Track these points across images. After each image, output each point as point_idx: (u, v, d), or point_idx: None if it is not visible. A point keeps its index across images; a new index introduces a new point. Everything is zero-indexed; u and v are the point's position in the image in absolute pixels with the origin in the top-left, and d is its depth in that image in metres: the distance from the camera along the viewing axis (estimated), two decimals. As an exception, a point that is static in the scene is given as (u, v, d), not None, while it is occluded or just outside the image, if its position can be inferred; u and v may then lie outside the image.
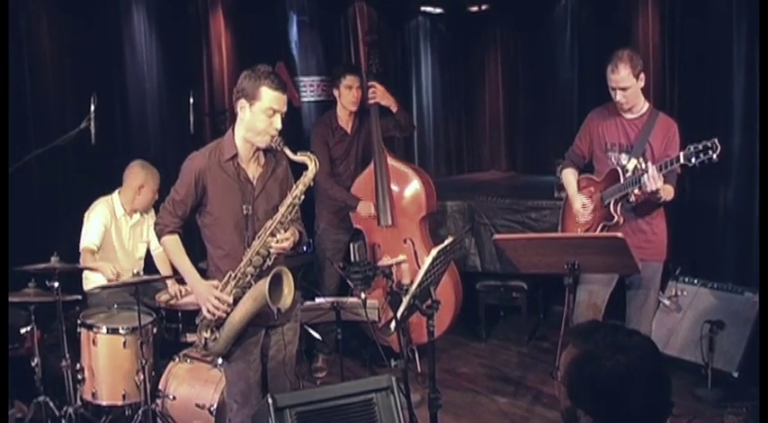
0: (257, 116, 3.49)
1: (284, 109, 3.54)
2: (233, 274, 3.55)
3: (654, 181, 4.11)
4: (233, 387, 3.72)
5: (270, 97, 3.47)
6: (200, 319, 3.63)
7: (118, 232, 5.16)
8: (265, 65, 3.57)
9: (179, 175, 3.64)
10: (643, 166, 4.35)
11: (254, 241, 3.55)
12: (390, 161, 5.68)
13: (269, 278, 3.46)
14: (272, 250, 3.54)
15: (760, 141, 5.01)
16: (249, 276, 3.55)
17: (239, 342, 3.62)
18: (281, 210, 3.56)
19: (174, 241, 3.66)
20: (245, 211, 3.60)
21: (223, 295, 3.51)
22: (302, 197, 3.60)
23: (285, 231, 3.56)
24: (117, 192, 5.17)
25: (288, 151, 3.57)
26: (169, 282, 5.06)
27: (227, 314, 3.54)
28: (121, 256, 5.16)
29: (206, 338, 3.59)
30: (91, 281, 5.07)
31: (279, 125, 3.51)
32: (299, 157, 3.60)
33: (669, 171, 4.19)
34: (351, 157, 5.76)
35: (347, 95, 5.61)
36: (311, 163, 3.57)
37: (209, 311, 3.52)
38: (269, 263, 3.56)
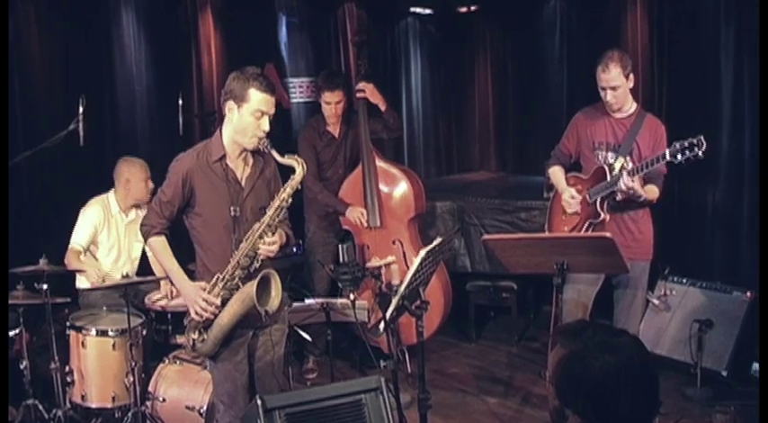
0: (245, 118, 3.50)
1: (272, 111, 3.54)
2: (221, 276, 3.54)
3: (626, 186, 4.18)
4: (220, 388, 3.72)
5: (258, 99, 3.48)
6: (188, 321, 3.62)
7: (113, 230, 5.16)
8: (254, 67, 3.57)
9: (166, 176, 3.63)
10: (629, 165, 4.38)
11: (242, 243, 3.55)
12: (379, 162, 5.68)
13: (256, 281, 3.45)
14: (259, 252, 3.55)
15: (760, 143, 5.03)
16: (237, 278, 3.55)
17: (227, 343, 3.61)
18: (269, 212, 3.55)
19: (160, 242, 3.65)
20: (232, 213, 3.59)
21: (210, 297, 3.51)
22: (290, 200, 3.60)
23: (273, 234, 3.57)
24: (113, 190, 5.20)
25: (275, 154, 3.58)
26: (162, 282, 5.06)
27: (215, 315, 3.53)
28: (116, 255, 5.18)
29: (194, 339, 3.58)
30: (83, 279, 5.07)
31: (267, 127, 3.52)
32: (286, 160, 3.60)
33: (654, 171, 4.22)
34: (339, 161, 5.76)
35: (325, 109, 5.62)
36: (298, 166, 3.58)
37: (196, 313, 3.52)
38: (256, 265, 3.57)
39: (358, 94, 5.62)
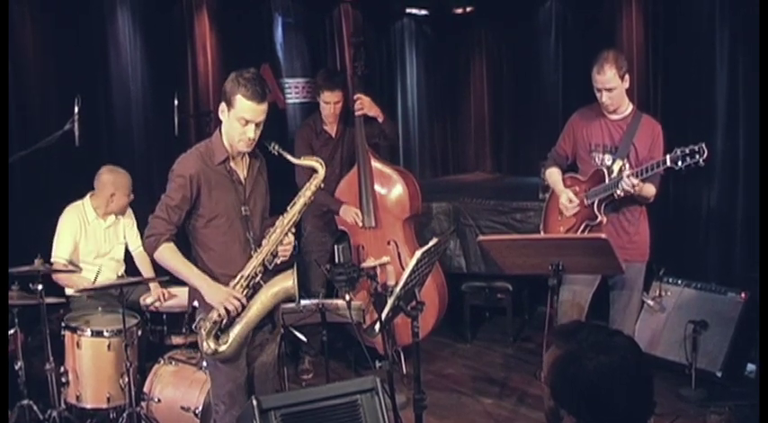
0: (232, 123, 3.51)
1: (259, 119, 3.50)
2: (244, 274, 3.55)
3: (629, 186, 4.17)
4: (220, 389, 3.69)
5: (243, 107, 3.46)
6: (202, 327, 3.55)
7: (92, 236, 5.14)
8: (252, 70, 3.55)
9: (170, 180, 3.58)
10: (627, 167, 4.38)
11: (264, 241, 3.59)
12: (374, 163, 5.68)
13: (294, 274, 3.53)
14: (280, 250, 3.59)
15: (760, 143, 5.04)
16: (259, 276, 3.57)
17: None
18: (295, 208, 3.63)
19: (171, 249, 3.56)
20: (244, 212, 3.62)
21: (240, 295, 3.51)
22: (312, 198, 3.70)
23: (292, 234, 3.64)
24: (89, 195, 5.17)
25: (290, 157, 3.66)
26: (152, 285, 5.05)
27: (238, 314, 3.53)
28: (98, 260, 5.16)
29: (215, 344, 3.53)
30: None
31: (251, 135, 3.50)
32: (304, 162, 3.74)
33: (653, 173, 4.22)
34: (336, 160, 5.75)
35: (324, 109, 5.62)
36: (319, 166, 3.68)
37: (227, 311, 3.48)
38: (277, 261, 3.61)
39: (357, 113, 5.61)
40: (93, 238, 5.14)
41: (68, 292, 5.06)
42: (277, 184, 3.94)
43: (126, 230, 5.31)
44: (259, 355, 3.78)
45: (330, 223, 5.80)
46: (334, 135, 5.73)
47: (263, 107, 3.51)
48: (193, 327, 3.65)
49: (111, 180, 5.13)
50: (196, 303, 3.69)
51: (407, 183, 5.72)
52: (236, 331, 3.54)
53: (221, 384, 3.70)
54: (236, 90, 3.45)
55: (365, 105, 5.59)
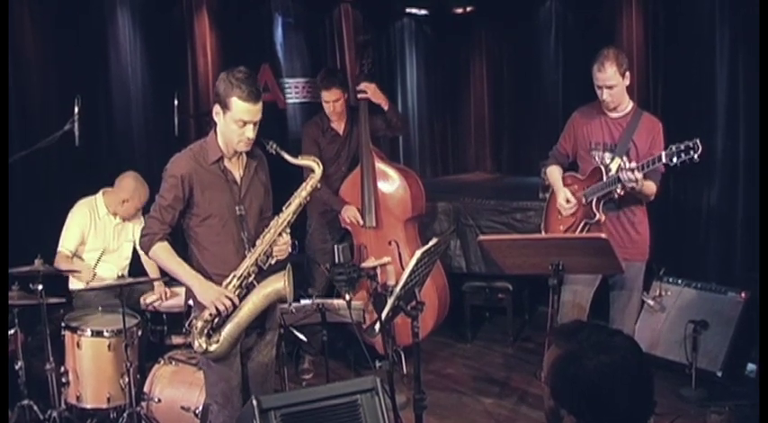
0: (229, 125, 3.49)
1: (256, 118, 3.50)
2: (237, 274, 3.54)
3: (630, 177, 4.14)
4: (213, 387, 3.70)
5: (240, 109, 3.44)
6: (193, 326, 3.56)
7: (102, 231, 5.17)
8: (243, 68, 3.51)
9: (163, 180, 3.59)
10: (626, 165, 4.38)
11: (258, 241, 3.58)
12: (378, 163, 5.68)
13: (286, 275, 3.51)
14: (275, 250, 3.58)
15: (760, 143, 5.04)
16: (252, 276, 3.57)
17: None
18: (289, 209, 3.62)
19: (165, 248, 3.58)
20: (238, 212, 3.62)
21: (232, 294, 3.51)
22: (308, 198, 3.68)
23: (287, 234, 3.62)
24: (102, 192, 5.18)
25: (287, 156, 3.63)
26: (156, 284, 5.06)
27: (228, 314, 3.53)
28: (107, 256, 5.19)
29: (206, 343, 3.55)
30: (76, 280, 5.07)
31: (250, 134, 3.50)
32: (301, 161, 3.70)
33: (652, 170, 4.22)
34: (341, 158, 5.76)
35: (325, 108, 5.64)
36: (316, 165, 3.65)
37: (217, 311, 3.48)
38: (272, 262, 3.60)
39: (360, 96, 5.61)
40: (102, 233, 5.16)
41: (72, 287, 5.07)
42: (279, 184, 3.93)
43: (135, 229, 5.31)
44: (254, 356, 3.78)
45: (334, 221, 5.81)
46: (341, 133, 5.73)
47: (259, 106, 3.50)
48: (186, 325, 3.65)
49: (132, 187, 5.15)
50: (192, 302, 3.69)
51: (410, 183, 5.71)
52: (227, 331, 3.54)
53: (214, 383, 3.70)
54: (230, 92, 3.43)
55: (369, 90, 5.59)
